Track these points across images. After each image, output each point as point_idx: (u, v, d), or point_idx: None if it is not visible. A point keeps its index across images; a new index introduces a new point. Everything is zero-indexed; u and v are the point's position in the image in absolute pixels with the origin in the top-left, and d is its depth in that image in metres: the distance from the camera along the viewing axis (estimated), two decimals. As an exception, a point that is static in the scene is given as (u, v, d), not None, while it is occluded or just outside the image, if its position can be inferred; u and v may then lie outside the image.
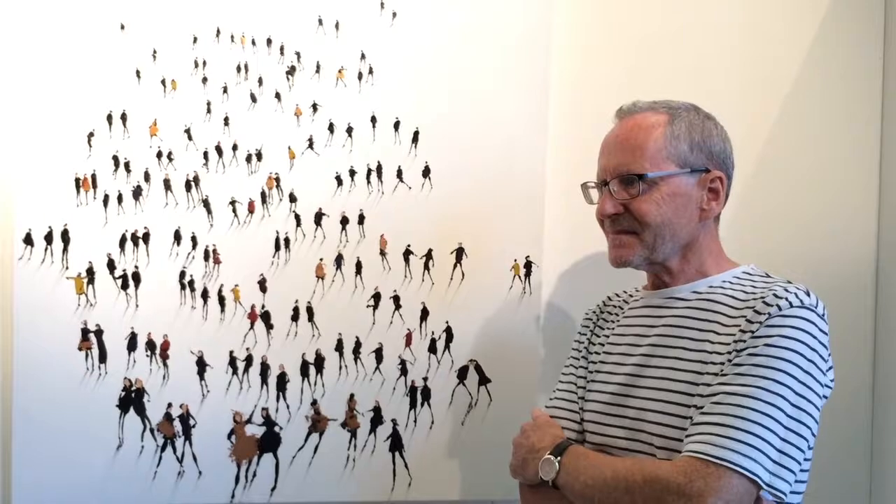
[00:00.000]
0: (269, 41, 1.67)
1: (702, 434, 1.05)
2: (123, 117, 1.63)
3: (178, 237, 1.64)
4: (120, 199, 1.63)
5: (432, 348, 1.71)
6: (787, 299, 1.10)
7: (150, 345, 1.63)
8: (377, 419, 1.70)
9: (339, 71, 1.69)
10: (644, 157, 1.21)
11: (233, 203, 1.66)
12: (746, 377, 1.06)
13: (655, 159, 1.21)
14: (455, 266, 1.72)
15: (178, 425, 1.64)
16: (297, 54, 1.68)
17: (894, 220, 1.77)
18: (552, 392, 1.38)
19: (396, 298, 1.70)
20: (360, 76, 1.69)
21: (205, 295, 1.65)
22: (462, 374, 1.72)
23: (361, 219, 1.69)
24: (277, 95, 1.68)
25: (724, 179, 1.24)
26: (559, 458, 1.18)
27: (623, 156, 1.23)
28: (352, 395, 1.69)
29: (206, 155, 1.65)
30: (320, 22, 1.69)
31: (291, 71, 1.68)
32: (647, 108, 1.27)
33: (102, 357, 1.62)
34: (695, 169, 1.22)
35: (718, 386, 1.09)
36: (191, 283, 1.64)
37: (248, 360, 1.66)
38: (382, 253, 1.70)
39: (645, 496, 1.05)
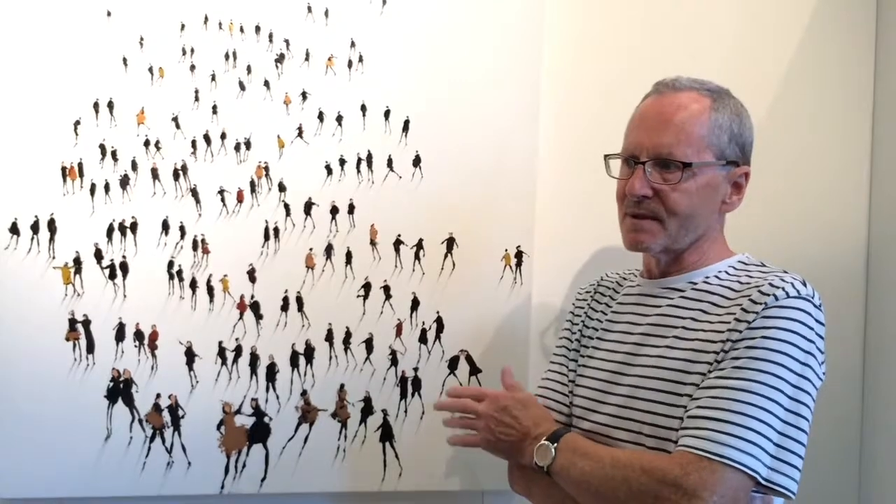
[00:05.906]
0: (257, 28, 1.65)
1: (698, 429, 1.05)
2: (110, 105, 1.61)
3: (166, 227, 1.63)
4: (107, 188, 1.61)
5: (423, 338, 1.71)
6: (783, 289, 1.09)
7: (139, 335, 1.62)
8: (367, 409, 1.70)
9: (329, 59, 1.67)
10: (689, 143, 1.15)
11: (221, 192, 1.65)
12: (743, 370, 1.06)
13: (698, 147, 1.16)
14: (446, 256, 1.71)
15: (166, 416, 1.63)
16: (287, 42, 1.66)
17: (885, 214, 1.77)
18: (544, 373, 1.38)
19: (387, 288, 1.69)
20: (349, 64, 1.68)
21: (193, 285, 1.63)
22: (453, 364, 1.72)
23: (351, 208, 1.68)
24: (266, 83, 1.66)
25: (748, 175, 1.21)
26: (555, 444, 1.16)
27: (665, 136, 1.16)
28: (342, 386, 1.69)
29: (194, 143, 1.64)
30: (309, 9, 1.67)
31: (280, 59, 1.66)
32: (689, 86, 1.19)
33: (90, 347, 1.60)
34: (729, 161, 1.18)
35: (715, 379, 1.08)
36: (179, 273, 1.63)
37: (238, 351, 1.65)
38: (373, 243, 1.69)
39: (641, 485, 1.05)
